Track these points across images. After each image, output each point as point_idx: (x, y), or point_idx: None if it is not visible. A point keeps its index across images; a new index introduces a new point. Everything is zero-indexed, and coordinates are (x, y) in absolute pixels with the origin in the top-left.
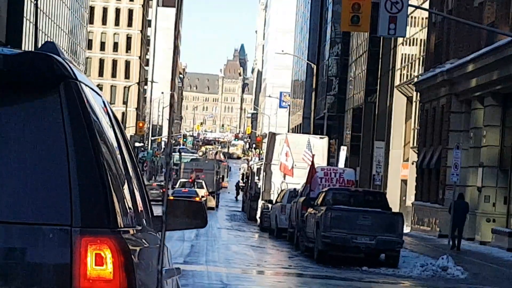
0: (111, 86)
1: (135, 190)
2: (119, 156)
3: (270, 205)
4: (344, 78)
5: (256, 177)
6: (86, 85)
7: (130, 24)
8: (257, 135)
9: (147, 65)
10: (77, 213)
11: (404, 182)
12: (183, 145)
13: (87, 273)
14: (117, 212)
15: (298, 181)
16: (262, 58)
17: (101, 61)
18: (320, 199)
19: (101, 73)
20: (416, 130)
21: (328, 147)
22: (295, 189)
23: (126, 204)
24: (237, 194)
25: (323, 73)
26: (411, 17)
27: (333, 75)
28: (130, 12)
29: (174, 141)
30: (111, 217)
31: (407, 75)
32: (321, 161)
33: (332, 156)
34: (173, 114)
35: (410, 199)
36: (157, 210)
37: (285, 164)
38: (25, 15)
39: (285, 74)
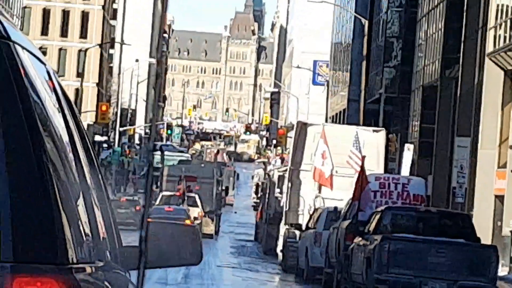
0: (60, 49)
1: (95, 208)
2: (71, 157)
3: (297, 233)
4: (411, 41)
5: (277, 190)
6: (23, 48)
7: None
8: (279, 127)
9: (113, 18)
10: (6, 241)
11: (500, 199)
12: (167, 139)
13: None
14: (67, 241)
15: (340, 195)
16: (288, 9)
17: (46, 12)
18: (374, 223)
19: (45, 30)
20: None
21: (386, 145)
22: (335, 208)
23: (81, 228)
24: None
25: (379, 34)
26: None
27: (394, 35)
28: None
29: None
30: (58, 248)
31: (505, 38)
32: (375, 166)
33: (391, 159)
34: (158, 91)
35: (509, 225)
36: (128, 238)
37: (321, 170)
38: None
39: (321, 35)
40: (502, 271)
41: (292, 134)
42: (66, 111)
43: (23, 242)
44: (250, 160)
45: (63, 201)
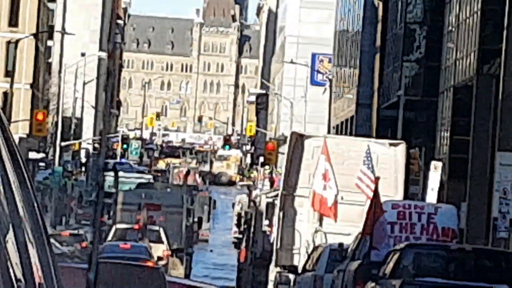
0: None
1: (29, 246)
2: None
3: (292, 277)
4: (438, 27)
5: (266, 222)
6: None
7: None
8: (267, 139)
9: (52, 0)
10: None
11: None
12: (122, 156)
13: None
14: None
15: (347, 229)
16: None
17: None
18: (391, 265)
19: None
20: None
21: (406, 163)
22: (341, 245)
23: (11, 272)
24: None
25: (397, 19)
26: None
27: (417, 21)
28: None
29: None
30: None
31: None
32: (392, 190)
33: (414, 181)
34: (110, 94)
35: None
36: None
37: (322, 196)
38: None
39: (322, 20)
40: None
41: (284, 149)
42: None
43: None
44: (230, 183)
45: None
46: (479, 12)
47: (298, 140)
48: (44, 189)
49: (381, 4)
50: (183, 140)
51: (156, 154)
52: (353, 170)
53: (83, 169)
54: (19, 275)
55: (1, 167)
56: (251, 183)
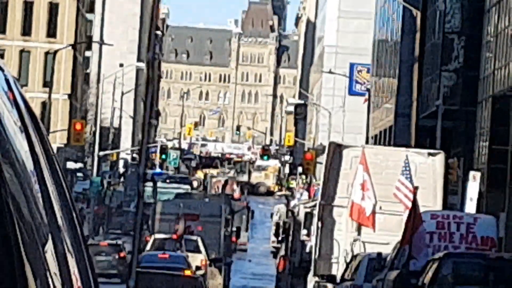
0: (21, 51)
1: (68, 256)
2: (37, 190)
3: (330, 286)
4: (477, 37)
5: (304, 231)
6: None
7: None
8: (305, 149)
9: (90, 11)
10: None
11: None
12: (160, 166)
13: None
14: None
15: (385, 238)
16: None
17: (2, 4)
18: (430, 274)
19: (1, 27)
20: None
21: (445, 173)
22: (379, 254)
23: (50, 282)
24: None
25: (435, 29)
26: None
27: (455, 31)
28: None
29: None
30: None
31: None
32: (431, 200)
33: (453, 191)
34: (150, 104)
35: None
36: None
37: (360, 206)
38: None
39: (360, 30)
40: None
41: (323, 159)
42: (31, 131)
43: None
44: (269, 193)
45: (27, 247)
46: None
47: (336, 150)
48: (82, 199)
49: (419, 14)
50: (221, 151)
51: (194, 164)
52: (392, 180)
53: (121, 179)
54: (58, 285)
55: (40, 177)
56: (289, 193)
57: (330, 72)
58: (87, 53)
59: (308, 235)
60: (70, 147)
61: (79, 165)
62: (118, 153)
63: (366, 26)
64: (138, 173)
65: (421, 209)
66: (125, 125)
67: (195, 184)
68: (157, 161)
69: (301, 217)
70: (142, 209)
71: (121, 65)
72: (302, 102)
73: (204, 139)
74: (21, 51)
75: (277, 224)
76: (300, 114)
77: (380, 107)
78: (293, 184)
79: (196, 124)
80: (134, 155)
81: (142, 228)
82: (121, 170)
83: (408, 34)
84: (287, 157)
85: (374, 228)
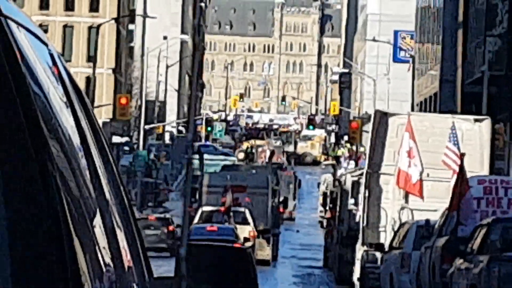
0: (65, 26)
1: (117, 230)
2: (84, 164)
3: (379, 255)
4: None
5: (351, 201)
6: (19, 24)
7: None
8: (351, 118)
9: None
10: (4, 275)
11: None
12: (206, 139)
13: None
14: (82, 273)
15: (433, 205)
16: None
17: None
18: (478, 240)
19: (44, 2)
20: None
21: (491, 139)
22: (427, 221)
23: (99, 256)
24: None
25: None
26: None
27: None
28: None
29: (192, 127)
30: (70, 283)
31: None
32: (478, 165)
33: (499, 156)
34: (196, 73)
35: None
36: (160, 268)
37: (407, 174)
38: None
39: None
40: None
41: (368, 127)
42: (76, 106)
43: (26, 276)
44: (315, 162)
45: (75, 221)
46: None
47: (382, 118)
48: (129, 173)
49: None
50: (267, 121)
51: (240, 135)
52: (438, 147)
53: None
54: (108, 259)
55: (87, 151)
56: (335, 162)
57: (373, 39)
58: (131, 27)
59: (356, 204)
60: (116, 122)
61: (125, 139)
62: (164, 126)
63: None
64: (187, 143)
65: (468, 175)
66: (170, 98)
67: (241, 155)
68: (203, 133)
69: (348, 186)
70: (191, 179)
71: (165, 37)
72: (347, 70)
73: (249, 110)
74: (64, 26)
75: (324, 194)
76: (344, 83)
77: (425, 74)
78: (342, 151)
79: (241, 96)
80: (180, 127)
81: (193, 197)
82: (167, 142)
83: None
84: (332, 127)
85: (421, 196)
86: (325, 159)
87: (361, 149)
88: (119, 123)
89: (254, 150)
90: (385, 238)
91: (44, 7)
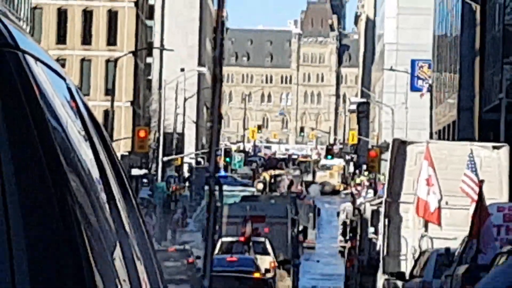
0: (82, 60)
1: (137, 263)
2: (103, 198)
3: (400, 284)
4: None
5: (371, 229)
6: (36, 59)
7: None
8: (369, 147)
9: (150, 17)
10: None
11: None
12: (225, 170)
13: None
14: None
15: (452, 233)
16: None
17: (62, 14)
18: (500, 268)
19: (62, 37)
20: None
21: (510, 165)
22: (448, 249)
23: None
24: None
25: (495, 21)
26: None
27: None
28: None
29: (213, 159)
30: None
31: None
32: (497, 193)
33: None
34: (217, 103)
35: None
36: None
37: (426, 202)
38: None
39: (420, 26)
40: None
41: (387, 156)
42: (95, 139)
43: None
44: (335, 191)
45: (95, 254)
46: None
47: (400, 146)
48: (147, 205)
49: (478, 7)
50: (286, 152)
51: (258, 166)
52: (457, 174)
53: (187, 184)
54: None
55: (106, 184)
56: (355, 191)
57: (391, 69)
58: (148, 60)
59: (376, 233)
60: (135, 154)
61: (143, 171)
62: (182, 158)
63: (425, 22)
64: (208, 173)
65: (488, 202)
66: (188, 130)
67: (260, 186)
68: (222, 164)
69: (368, 215)
70: (214, 209)
71: (182, 69)
72: (365, 100)
73: (267, 141)
74: (82, 60)
75: (344, 223)
76: (362, 112)
77: (442, 102)
78: (358, 180)
79: (259, 127)
80: (199, 159)
81: (215, 229)
82: (186, 174)
83: (468, 28)
84: (351, 156)
85: (439, 223)
86: (344, 188)
87: (380, 177)
88: (137, 155)
89: (273, 180)
90: (406, 266)
91: (62, 41)
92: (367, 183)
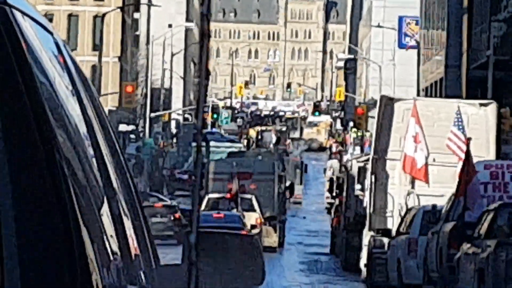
0: (70, 15)
1: (124, 218)
2: (91, 153)
3: (386, 241)
4: None
5: (358, 186)
6: (24, 13)
7: None
8: (356, 104)
9: None
10: (12, 265)
11: None
12: (212, 126)
13: None
14: (89, 261)
15: (439, 190)
16: None
17: None
18: (486, 225)
19: None
20: None
21: (497, 123)
22: (434, 206)
23: (106, 245)
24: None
25: None
26: None
27: None
28: None
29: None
30: (78, 272)
31: None
32: (484, 150)
33: (505, 141)
34: (205, 57)
35: None
36: (166, 257)
37: (413, 159)
38: None
39: None
40: None
41: (374, 113)
42: (82, 94)
43: (34, 266)
44: (321, 148)
45: (83, 210)
46: None
47: (387, 103)
48: (136, 161)
49: None
50: (273, 108)
51: (245, 122)
52: (444, 131)
53: (174, 140)
54: (115, 247)
55: (93, 140)
56: (342, 148)
57: (379, 26)
58: (136, 15)
59: (362, 190)
60: (122, 110)
61: (131, 127)
62: (169, 114)
63: None
64: (196, 129)
65: (475, 160)
66: (175, 86)
67: (244, 142)
68: (209, 121)
69: (355, 172)
70: (201, 164)
71: (170, 26)
72: (352, 57)
73: (255, 97)
74: (69, 16)
75: (331, 180)
76: (350, 69)
77: (430, 59)
78: (344, 139)
79: (246, 83)
80: (186, 115)
81: (202, 185)
82: (174, 131)
83: None
84: (338, 113)
85: (426, 181)
86: (332, 145)
87: (367, 134)
88: (125, 111)
89: (260, 136)
90: (392, 223)
91: None
92: (353, 141)
